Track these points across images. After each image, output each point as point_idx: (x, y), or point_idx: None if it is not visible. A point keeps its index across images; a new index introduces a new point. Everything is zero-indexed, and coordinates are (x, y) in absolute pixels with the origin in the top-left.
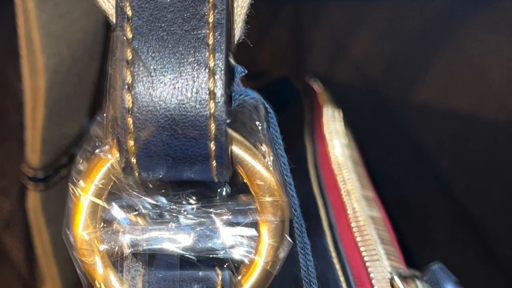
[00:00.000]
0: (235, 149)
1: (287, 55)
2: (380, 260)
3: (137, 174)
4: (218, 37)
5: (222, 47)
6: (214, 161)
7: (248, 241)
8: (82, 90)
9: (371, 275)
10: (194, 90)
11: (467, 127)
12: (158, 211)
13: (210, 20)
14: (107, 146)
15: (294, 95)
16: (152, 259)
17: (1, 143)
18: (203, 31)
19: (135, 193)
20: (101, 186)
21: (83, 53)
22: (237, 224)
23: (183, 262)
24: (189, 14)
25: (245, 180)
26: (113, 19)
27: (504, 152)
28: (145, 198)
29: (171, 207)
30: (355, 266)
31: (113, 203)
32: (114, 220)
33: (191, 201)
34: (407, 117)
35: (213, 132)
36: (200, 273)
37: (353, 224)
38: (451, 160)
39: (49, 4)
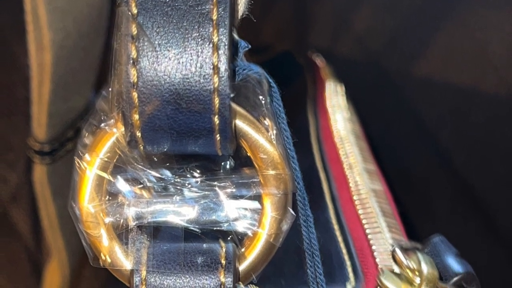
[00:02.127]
0: (239, 123)
1: (290, 30)
2: (382, 232)
3: (142, 147)
4: (222, 12)
5: (226, 22)
6: (218, 135)
7: (251, 214)
8: (88, 64)
9: (373, 247)
10: (198, 64)
11: (468, 101)
12: (163, 184)
13: None
14: (112, 120)
15: (297, 69)
16: (157, 231)
17: (8, 117)
18: (207, 7)
19: (140, 166)
20: (106, 159)
21: (89, 27)
22: (241, 197)
23: (187, 234)
24: None
25: (248, 154)
26: None
27: (504, 125)
28: (150, 171)
29: (176, 180)
30: (357, 239)
31: (118, 176)
32: (119, 193)
33: (195, 174)
34: (408, 91)
35: (217, 106)
36: (204, 245)
37: (355, 197)
38: (452, 133)
39: None
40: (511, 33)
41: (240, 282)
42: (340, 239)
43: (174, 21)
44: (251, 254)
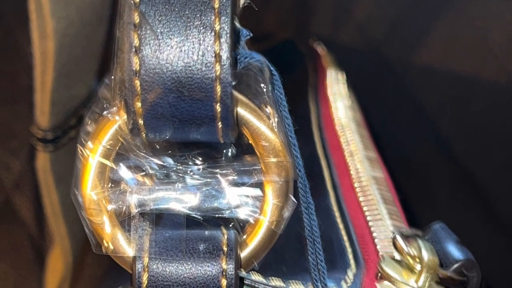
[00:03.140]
0: (241, 111)
1: (291, 18)
2: (382, 219)
3: (144, 135)
4: (224, 0)
5: (227, 11)
6: (219, 123)
7: (253, 201)
8: (90, 52)
9: (374, 234)
10: (200, 52)
11: (468, 89)
12: (165, 171)
13: None
14: (114, 108)
15: (298, 57)
16: (159, 218)
17: (11, 105)
18: None
19: (142, 154)
20: (108, 147)
21: (92, 16)
22: (243, 184)
23: (189, 221)
24: None
25: (250, 141)
26: None
27: (504, 113)
28: (152, 159)
29: (178, 168)
30: (358, 226)
31: (121, 164)
32: (121, 180)
33: (197, 162)
34: (409, 79)
35: (219, 94)
36: (206, 232)
37: (356, 185)
38: (452, 120)
39: None
40: (511, 22)
41: (242, 269)
42: (341, 226)
43: (176, 9)
44: (253, 241)
